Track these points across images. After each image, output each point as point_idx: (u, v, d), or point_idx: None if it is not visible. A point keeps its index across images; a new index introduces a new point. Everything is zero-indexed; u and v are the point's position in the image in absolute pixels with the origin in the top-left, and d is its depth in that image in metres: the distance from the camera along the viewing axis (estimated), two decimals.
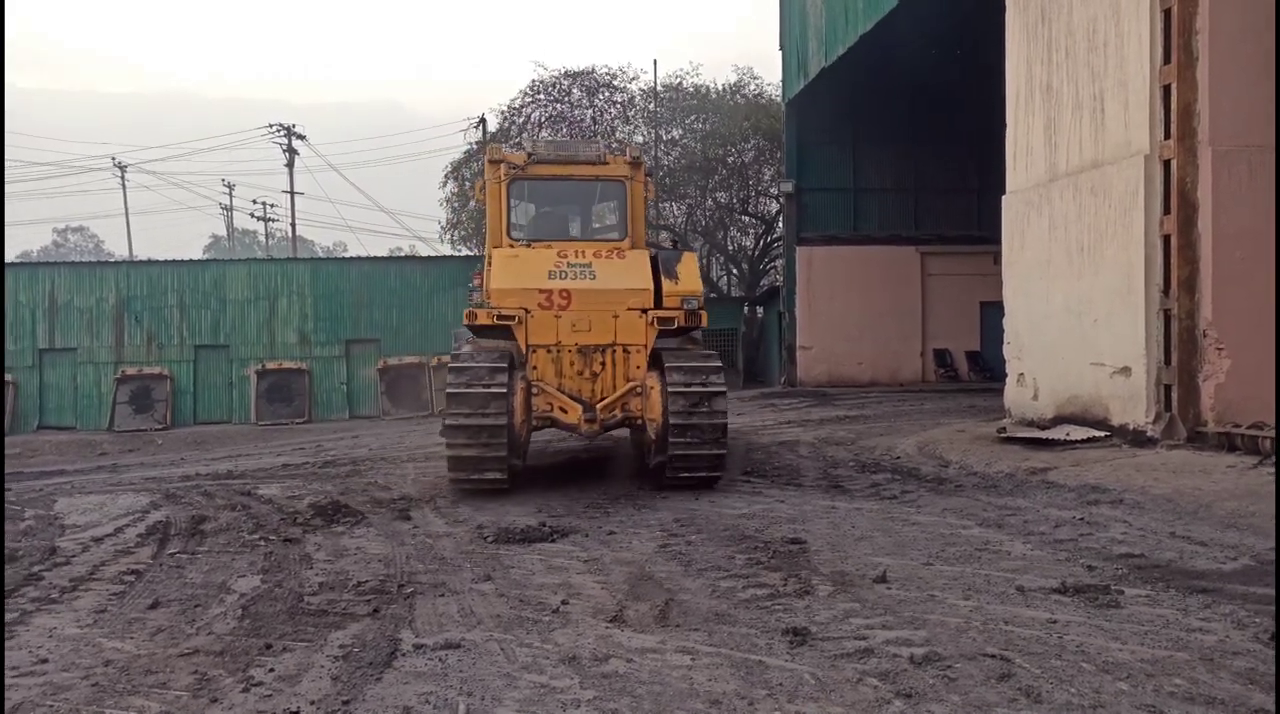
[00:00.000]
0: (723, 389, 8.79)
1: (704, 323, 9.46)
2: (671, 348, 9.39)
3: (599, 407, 9.16)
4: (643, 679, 4.01)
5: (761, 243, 35.41)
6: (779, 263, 32.26)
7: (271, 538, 7.40)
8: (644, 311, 9.29)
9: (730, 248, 36.50)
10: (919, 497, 8.47)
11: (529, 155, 9.82)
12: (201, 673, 4.23)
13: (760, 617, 4.84)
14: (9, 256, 50.27)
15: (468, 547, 6.87)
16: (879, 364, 24.70)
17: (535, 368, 9.23)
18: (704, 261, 37.26)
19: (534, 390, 9.23)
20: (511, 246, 9.79)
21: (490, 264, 9.62)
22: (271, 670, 4.22)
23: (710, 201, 34.05)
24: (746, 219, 35.70)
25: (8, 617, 5.29)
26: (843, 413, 16.90)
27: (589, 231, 10.28)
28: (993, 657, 4.13)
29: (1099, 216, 11.05)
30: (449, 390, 8.58)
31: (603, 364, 9.29)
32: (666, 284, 9.45)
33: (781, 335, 25.50)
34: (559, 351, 9.28)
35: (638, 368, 9.29)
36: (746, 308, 30.94)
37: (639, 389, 9.22)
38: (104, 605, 5.49)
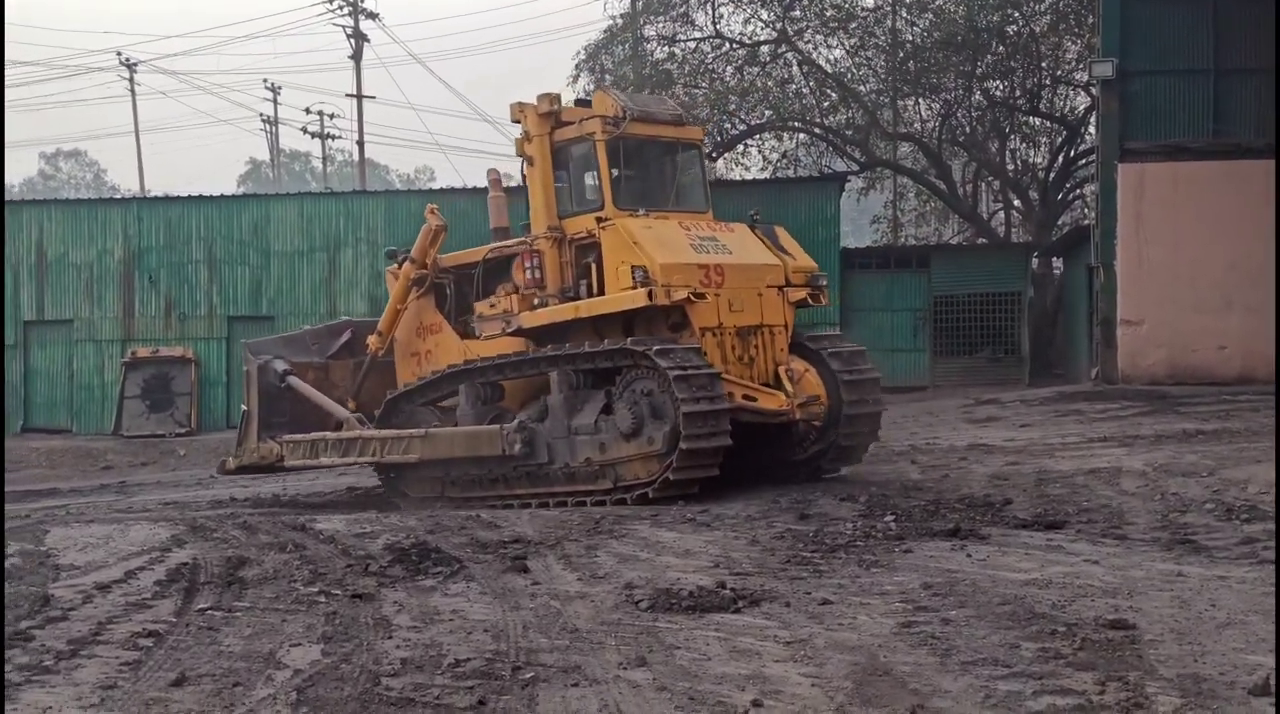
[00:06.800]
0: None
1: (825, 302, 12.76)
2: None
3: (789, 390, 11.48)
4: None
5: (1061, 158, 34.25)
6: (1088, 190, 31.09)
7: (335, 592, 7.80)
8: (779, 289, 11.94)
9: (1012, 167, 35.47)
10: None
11: (624, 110, 12.00)
12: None
13: None
14: None
15: (611, 615, 7.03)
16: (1255, 348, 23.39)
17: (705, 354, 11.17)
18: (968, 187, 36.42)
19: None
20: (632, 216, 11.79)
21: (625, 235, 11.51)
22: None
23: (979, 96, 33.17)
24: (1036, 122, 34.59)
25: None
26: (1194, 426, 16.32)
27: (671, 201, 12.63)
28: None
29: None
30: (684, 410, 10.54)
31: (757, 347, 11.72)
32: (785, 260, 12.21)
33: (1093, 303, 24.69)
34: (722, 335, 11.47)
35: (781, 351, 11.87)
36: (1036, 260, 29.95)
37: (790, 373, 11.62)
38: (113, 679, 5.93)
